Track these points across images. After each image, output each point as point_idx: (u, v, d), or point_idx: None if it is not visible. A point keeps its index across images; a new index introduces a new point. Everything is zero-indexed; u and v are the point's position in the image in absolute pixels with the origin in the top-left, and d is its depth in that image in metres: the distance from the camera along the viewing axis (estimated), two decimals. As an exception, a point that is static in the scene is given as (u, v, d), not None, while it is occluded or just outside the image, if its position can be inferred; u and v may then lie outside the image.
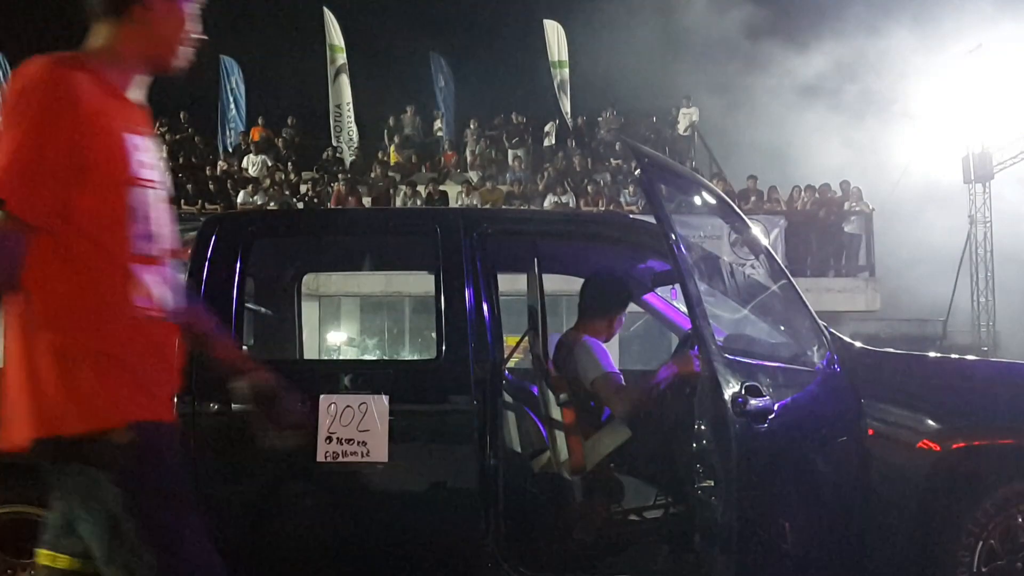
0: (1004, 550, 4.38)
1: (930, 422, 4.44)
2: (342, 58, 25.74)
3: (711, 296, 4.83)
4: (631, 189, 21.51)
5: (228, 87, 26.12)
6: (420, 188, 21.31)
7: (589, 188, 21.59)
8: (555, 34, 26.02)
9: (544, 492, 4.93)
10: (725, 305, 4.89)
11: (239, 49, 27.05)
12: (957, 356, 5.27)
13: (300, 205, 20.72)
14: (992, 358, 21.27)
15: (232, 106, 26.11)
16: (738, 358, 4.17)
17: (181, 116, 24.39)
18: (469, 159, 24.06)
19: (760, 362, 4.34)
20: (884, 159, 24.91)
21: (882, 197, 22.13)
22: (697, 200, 4.79)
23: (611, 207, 20.95)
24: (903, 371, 4.76)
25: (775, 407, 4.08)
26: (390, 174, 22.92)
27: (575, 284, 5.64)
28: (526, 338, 5.15)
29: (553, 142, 24.98)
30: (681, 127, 25.25)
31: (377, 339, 21.36)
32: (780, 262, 4.75)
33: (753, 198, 21.30)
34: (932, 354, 5.05)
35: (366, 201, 20.87)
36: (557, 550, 4.76)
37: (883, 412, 4.42)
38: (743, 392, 3.98)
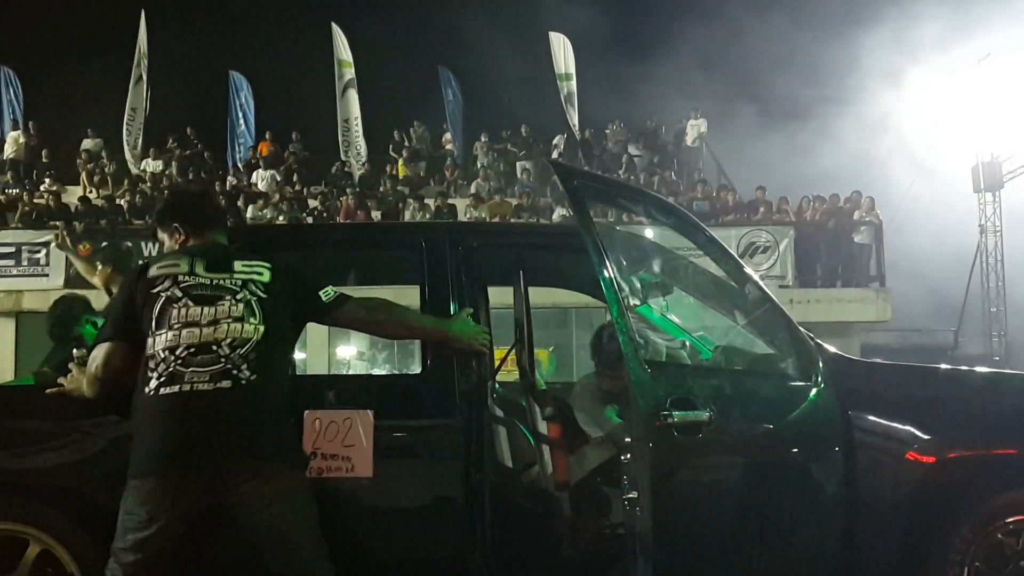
0: (990, 566, 4.35)
1: (918, 433, 4.40)
2: (350, 73, 25.80)
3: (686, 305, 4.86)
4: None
5: (237, 103, 26.21)
6: (428, 202, 21.33)
7: (597, 200, 21.53)
8: (561, 47, 26.03)
9: (533, 506, 4.92)
10: (695, 314, 4.92)
11: (248, 65, 27.24)
12: (949, 366, 5.21)
13: (309, 219, 20.75)
14: (1006, 369, 21.29)
15: (241, 121, 26.18)
16: (665, 372, 4.27)
17: (188, 131, 24.50)
18: (479, 172, 24.07)
19: (698, 375, 4.41)
20: (894, 169, 24.86)
21: (892, 207, 22.08)
22: (648, 215, 4.81)
23: (622, 218, 20.91)
24: (891, 381, 4.74)
25: (716, 419, 4.14)
26: (399, 188, 22.98)
27: (567, 297, 5.63)
28: (513, 351, 5.14)
29: (561, 154, 24.95)
30: (689, 139, 25.25)
31: (387, 352, 21.33)
32: (753, 273, 4.72)
33: (762, 209, 21.26)
34: (923, 364, 5.00)
35: (375, 215, 20.90)
36: (546, 564, 4.75)
37: (869, 423, 4.40)
38: (668, 404, 4.04)
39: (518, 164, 24.24)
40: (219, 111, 26.30)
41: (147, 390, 3.64)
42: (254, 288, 3.82)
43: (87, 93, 27.11)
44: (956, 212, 23.53)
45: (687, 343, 5.13)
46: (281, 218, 20.28)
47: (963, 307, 23.36)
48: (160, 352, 3.65)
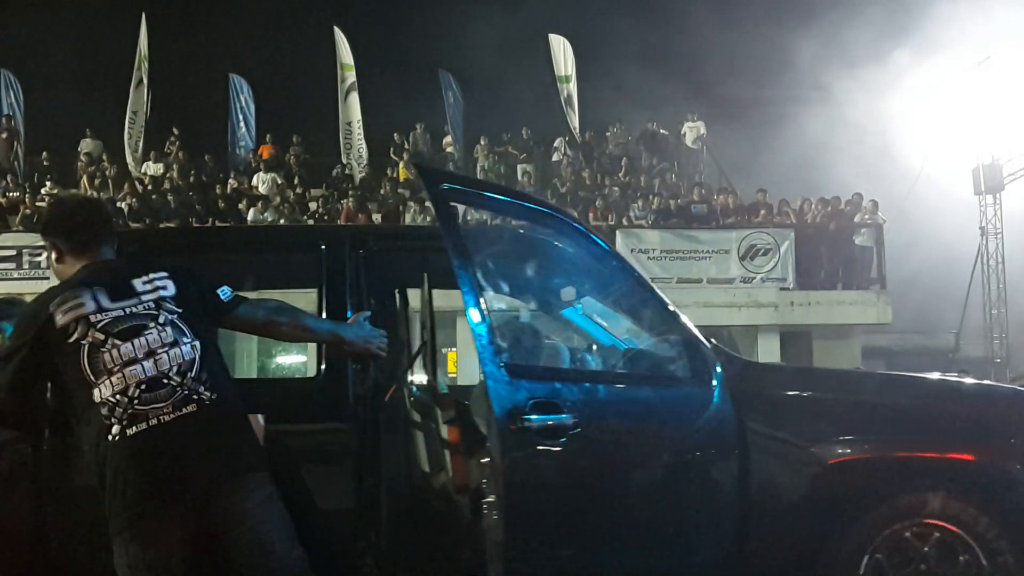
0: (890, 565, 4.31)
1: (815, 437, 4.37)
2: (352, 76, 25.85)
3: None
4: (639, 203, 21.48)
5: (238, 105, 26.25)
6: (429, 204, 21.28)
7: (598, 203, 21.55)
8: (561, 49, 26.01)
9: (432, 510, 4.89)
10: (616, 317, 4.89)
11: (248, 67, 27.33)
12: (852, 369, 5.18)
13: (310, 222, 20.79)
14: (1007, 370, 21.22)
15: (242, 124, 26.23)
16: (528, 374, 4.19)
17: (188, 134, 24.60)
18: (479, 175, 24.03)
19: (568, 378, 4.34)
20: (895, 171, 24.75)
21: (893, 209, 21.97)
22: (523, 218, 4.78)
23: (622, 221, 20.95)
24: (791, 385, 4.70)
25: (584, 423, 4.08)
26: (399, 191, 22.97)
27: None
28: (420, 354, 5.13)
29: (562, 157, 24.94)
30: (688, 140, 25.15)
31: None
32: (642, 273, 4.68)
33: (763, 211, 21.17)
34: (824, 367, 4.97)
35: (376, 218, 20.92)
36: (443, 568, 4.73)
37: (765, 426, 4.36)
38: (528, 409, 3.99)
39: (519, 166, 24.20)
40: (220, 114, 26.39)
41: (111, 437, 3.43)
42: (169, 307, 3.64)
43: (88, 96, 27.27)
44: (957, 214, 23.47)
45: (595, 346, 5.11)
46: (282, 220, 20.30)
47: (964, 309, 23.26)
48: (111, 399, 3.45)
